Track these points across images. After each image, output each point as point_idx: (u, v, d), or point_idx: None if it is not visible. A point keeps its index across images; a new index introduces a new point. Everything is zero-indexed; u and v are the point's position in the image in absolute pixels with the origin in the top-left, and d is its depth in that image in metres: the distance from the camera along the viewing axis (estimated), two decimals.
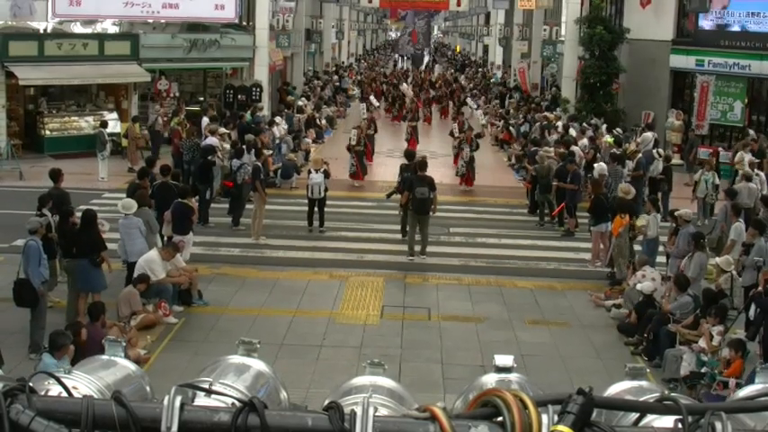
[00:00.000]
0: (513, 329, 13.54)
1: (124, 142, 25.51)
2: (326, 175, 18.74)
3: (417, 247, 17.11)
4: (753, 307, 11.76)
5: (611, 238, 16.16)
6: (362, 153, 24.21)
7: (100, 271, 12.74)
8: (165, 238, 14.72)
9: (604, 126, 27.26)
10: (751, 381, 9.39)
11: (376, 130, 27.34)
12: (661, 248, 15.79)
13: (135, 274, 13.10)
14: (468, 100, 41.17)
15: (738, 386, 9.94)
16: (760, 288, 11.90)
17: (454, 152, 25.96)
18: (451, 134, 26.82)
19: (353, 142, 23.57)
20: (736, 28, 26.95)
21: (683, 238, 14.31)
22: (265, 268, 16.17)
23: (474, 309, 14.45)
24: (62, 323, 11.67)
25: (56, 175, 15.19)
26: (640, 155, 21.26)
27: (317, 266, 16.40)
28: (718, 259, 13.78)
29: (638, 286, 13.65)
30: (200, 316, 13.69)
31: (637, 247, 16.03)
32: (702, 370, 10.84)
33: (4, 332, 11.52)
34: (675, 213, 15.10)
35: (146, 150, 24.24)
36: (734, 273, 13.28)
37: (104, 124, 23.79)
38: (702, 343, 11.38)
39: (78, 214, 13.33)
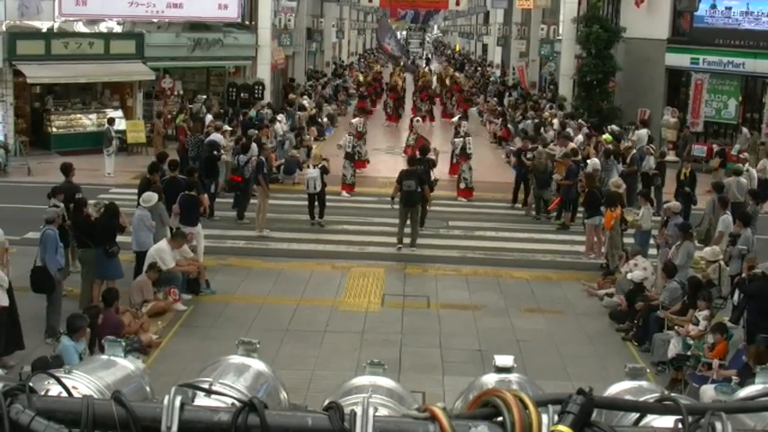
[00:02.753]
0: (509, 317, 13.98)
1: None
2: (325, 170, 19.12)
3: (407, 240, 17.44)
4: (737, 293, 12.29)
5: (604, 231, 16.64)
6: (351, 157, 22.62)
7: (116, 260, 13.25)
8: (174, 230, 15.20)
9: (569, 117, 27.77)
10: (734, 362, 9.90)
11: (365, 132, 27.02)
12: (652, 241, 16.25)
13: (146, 263, 13.60)
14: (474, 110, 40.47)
15: (722, 366, 10.47)
16: (744, 274, 12.42)
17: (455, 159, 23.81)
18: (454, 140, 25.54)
19: (348, 149, 22.36)
20: (730, 26, 27.44)
21: (672, 228, 14.79)
22: (270, 259, 16.55)
23: (471, 297, 14.88)
24: (76, 311, 11.97)
25: (67, 169, 15.50)
26: (634, 151, 21.74)
27: (319, 258, 16.81)
28: (704, 250, 14.24)
29: (629, 275, 14.16)
30: (208, 304, 14.14)
31: (628, 240, 16.46)
32: (688, 353, 11.35)
33: (20, 318, 11.96)
34: (665, 206, 15.61)
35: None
36: (722, 263, 13.73)
37: (111, 121, 24.30)
38: (693, 333, 11.86)
39: (91, 209, 13.84)
